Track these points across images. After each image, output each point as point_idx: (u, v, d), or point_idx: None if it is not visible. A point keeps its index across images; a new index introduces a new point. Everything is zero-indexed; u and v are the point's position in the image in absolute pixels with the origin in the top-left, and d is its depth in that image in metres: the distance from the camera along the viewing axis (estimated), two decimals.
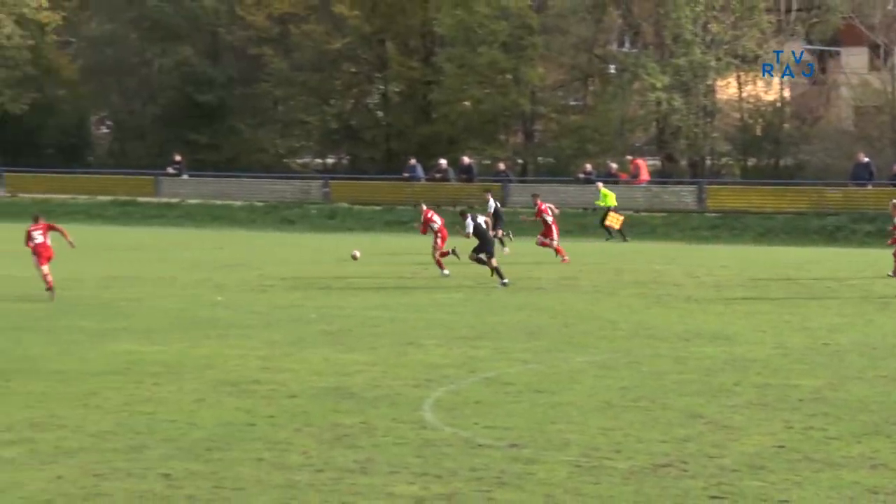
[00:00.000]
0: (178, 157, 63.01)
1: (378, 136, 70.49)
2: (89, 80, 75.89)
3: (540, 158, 67.17)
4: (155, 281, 33.75)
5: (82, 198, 60.88)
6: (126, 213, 58.50)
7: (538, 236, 39.99)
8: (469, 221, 33.74)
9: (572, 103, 69.57)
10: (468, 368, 20.77)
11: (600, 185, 50.41)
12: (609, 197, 49.09)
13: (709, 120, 62.42)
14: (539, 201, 40.81)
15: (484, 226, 34.08)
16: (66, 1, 74.72)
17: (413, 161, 60.03)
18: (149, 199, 60.30)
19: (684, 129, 60.74)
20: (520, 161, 66.75)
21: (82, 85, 75.86)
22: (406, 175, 59.36)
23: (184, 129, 69.56)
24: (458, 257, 34.65)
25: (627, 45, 67.05)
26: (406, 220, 54.91)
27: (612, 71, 65.67)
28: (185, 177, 62.26)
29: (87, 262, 37.66)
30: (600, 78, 68.36)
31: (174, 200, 60.13)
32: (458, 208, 36.01)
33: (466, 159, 59.70)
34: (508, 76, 64.25)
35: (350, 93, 72.76)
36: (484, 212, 38.22)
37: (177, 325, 25.70)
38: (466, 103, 66.09)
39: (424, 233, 36.79)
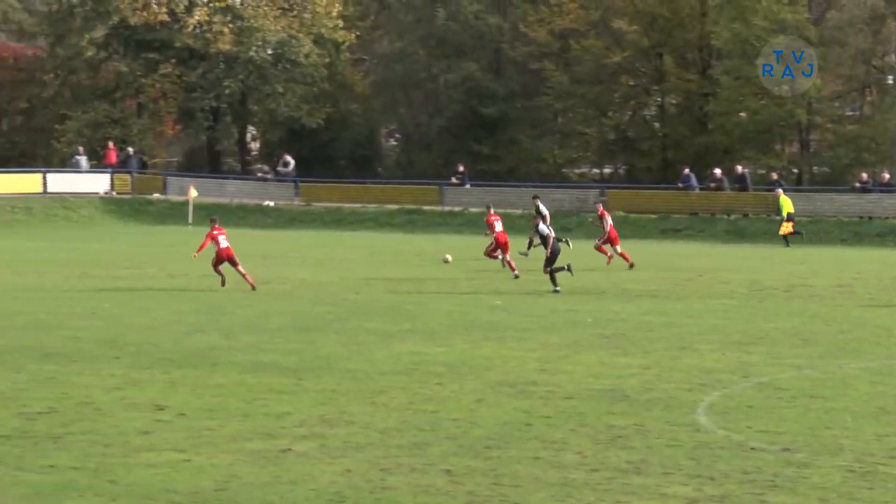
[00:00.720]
0: (461, 168, 64.19)
1: (654, 146, 70.58)
2: (380, 95, 78.17)
3: (815, 168, 66.28)
4: (438, 285, 34.51)
5: (371, 206, 62.48)
6: (412, 221, 59.79)
7: (596, 240, 40.69)
8: (542, 227, 33.89)
9: (849, 113, 68.40)
10: (741, 373, 20.73)
11: (780, 191, 50.69)
12: (787, 204, 49.12)
13: None
14: (600, 207, 41.16)
15: (552, 235, 33.90)
16: (360, 21, 77.15)
17: (687, 171, 59.97)
18: (433, 207, 61.50)
19: None
20: (794, 170, 65.95)
21: (373, 99, 78.14)
22: (681, 184, 59.42)
23: (467, 141, 70.98)
24: (572, 273, 34.10)
25: None
26: (681, 228, 55.01)
27: (891, 81, 64.38)
28: (467, 186, 63.33)
29: (376, 267, 38.81)
30: (878, 88, 67.14)
31: (457, 209, 61.19)
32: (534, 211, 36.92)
33: (740, 168, 59.32)
34: (785, 87, 63.56)
35: (627, 105, 73.15)
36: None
37: (458, 327, 26.15)
38: (742, 114, 65.67)
39: (491, 233, 37.91)
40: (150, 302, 30.63)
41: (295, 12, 72.98)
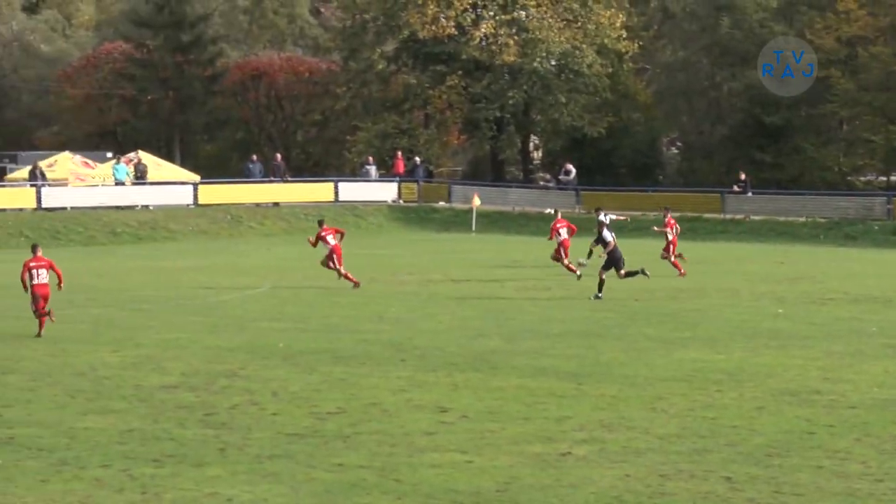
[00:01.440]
0: (742, 176, 63.41)
1: None
2: (662, 104, 77.88)
3: None
4: (719, 293, 34.20)
5: (652, 215, 62.09)
6: (693, 229, 59.13)
7: (662, 251, 39.63)
8: (605, 233, 33.42)
9: None
10: None
11: None
12: None
13: None
14: (669, 216, 40.09)
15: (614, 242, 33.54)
16: (643, 31, 77.07)
17: None
18: (714, 215, 60.90)
19: None
20: None
21: (655, 108, 77.88)
22: None
23: (749, 149, 70.04)
24: (648, 276, 34.15)
25: None
26: None
27: None
28: (749, 194, 62.56)
29: (656, 275, 38.79)
30: None
31: (738, 217, 60.53)
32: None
33: None
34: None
35: None
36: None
37: (739, 334, 25.94)
38: None
39: (551, 239, 39.13)
40: (436, 307, 31.32)
41: (579, 24, 73.28)
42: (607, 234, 33.76)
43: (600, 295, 32.62)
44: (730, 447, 15.88)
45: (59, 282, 27.11)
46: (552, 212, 41.60)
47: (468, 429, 17.08)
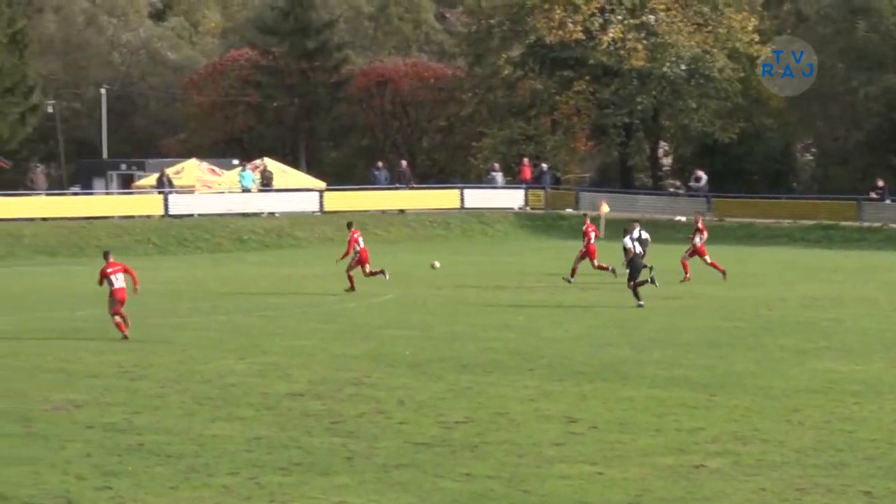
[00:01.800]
0: (880, 182, 62.31)
1: None
2: (795, 109, 76.73)
3: None
4: (856, 302, 33.65)
5: (786, 222, 61.48)
6: (828, 237, 58.55)
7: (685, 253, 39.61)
8: (627, 239, 33.35)
9: None
10: None
11: None
12: None
13: None
14: (700, 220, 40.27)
15: (639, 250, 33.42)
16: (776, 35, 76.06)
17: None
18: (850, 223, 59.98)
19: None
20: None
21: (788, 113, 76.80)
22: None
23: (887, 154, 68.91)
24: (657, 285, 33.89)
25: None
26: None
27: None
28: (887, 202, 61.44)
29: (790, 284, 38.22)
30: None
31: (876, 224, 59.54)
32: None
33: None
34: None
35: None
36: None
37: (877, 345, 25.51)
38: None
39: (587, 240, 39.85)
40: (563, 315, 31.14)
41: (709, 27, 72.56)
42: (627, 241, 33.72)
43: (642, 303, 32.44)
44: (869, 461, 15.57)
45: (135, 284, 27.73)
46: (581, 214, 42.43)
47: (598, 440, 16.90)
